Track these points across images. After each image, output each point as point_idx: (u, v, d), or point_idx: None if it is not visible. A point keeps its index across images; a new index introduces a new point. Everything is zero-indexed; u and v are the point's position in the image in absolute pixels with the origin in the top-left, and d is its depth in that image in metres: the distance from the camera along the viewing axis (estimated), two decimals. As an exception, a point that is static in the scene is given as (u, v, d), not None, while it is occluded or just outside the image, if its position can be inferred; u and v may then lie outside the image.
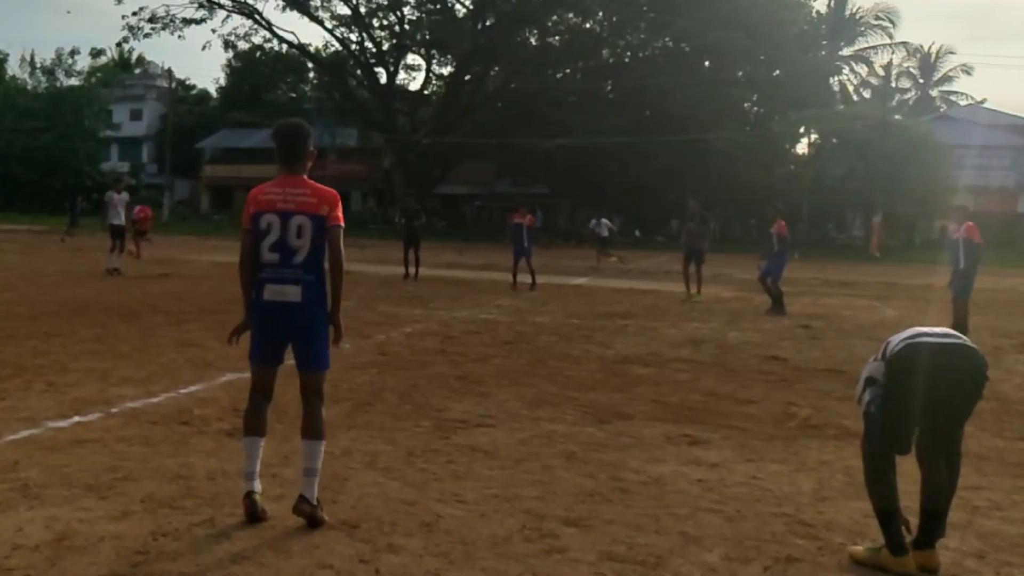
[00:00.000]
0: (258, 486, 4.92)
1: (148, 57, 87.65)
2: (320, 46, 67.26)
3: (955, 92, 71.89)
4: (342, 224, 4.94)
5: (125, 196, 21.46)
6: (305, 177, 5.01)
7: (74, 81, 69.71)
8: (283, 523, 4.84)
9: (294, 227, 4.85)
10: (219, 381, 8.71)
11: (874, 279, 28.19)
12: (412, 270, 21.91)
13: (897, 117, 57.73)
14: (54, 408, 7.26)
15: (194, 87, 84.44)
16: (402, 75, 65.11)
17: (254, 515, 4.83)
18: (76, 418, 6.97)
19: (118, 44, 61.78)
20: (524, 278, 20.15)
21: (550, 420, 7.52)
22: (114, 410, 7.29)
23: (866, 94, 67.99)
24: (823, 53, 63.65)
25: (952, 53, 72.02)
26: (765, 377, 10.06)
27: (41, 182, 63.21)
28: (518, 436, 6.93)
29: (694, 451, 6.69)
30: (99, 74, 72.00)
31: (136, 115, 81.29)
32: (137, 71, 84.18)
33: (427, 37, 62.98)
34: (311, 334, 4.98)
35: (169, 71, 75.72)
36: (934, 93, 72.95)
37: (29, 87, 69.95)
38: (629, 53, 64.39)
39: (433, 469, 5.97)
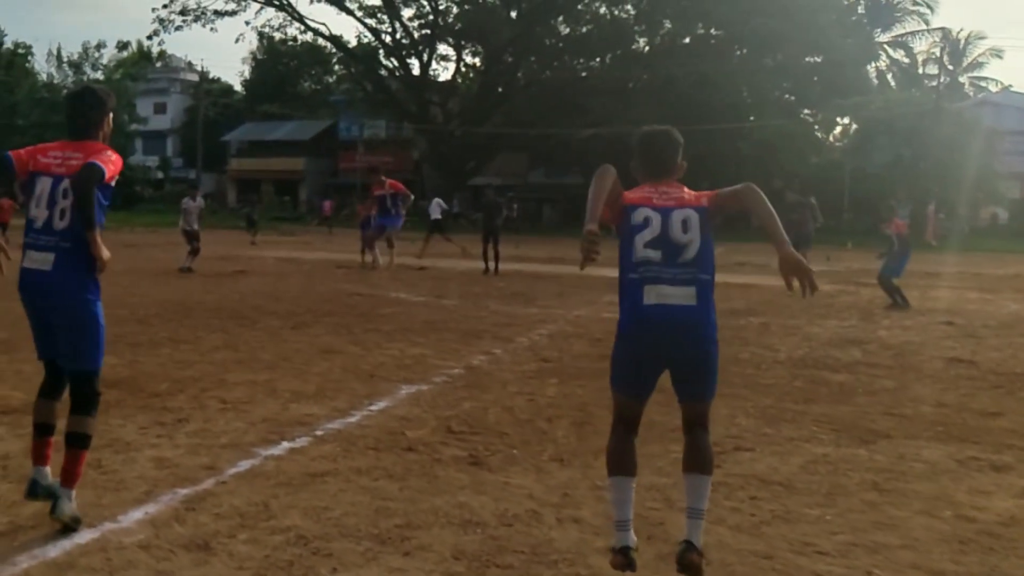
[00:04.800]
0: (633, 538, 4.03)
1: (168, 51, 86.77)
2: (350, 38, 66.54)
3: (985, 78, 70.61)
4: None
5: (200, 203, 20.74)
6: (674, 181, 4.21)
7: (99, 75, 68.74)
8: (648, 586, 3.98)
9: (678, 221, 4.01)
10: (401, 395, 7.85)
11: (954, 269, 27.00)
12: (492, 264, 21.09)
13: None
14: (250, 431, 6.42)
15: (217, 80, 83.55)
16: (434, 66, 64.17)
17: (624, 571, 3.94)
18: (285, 444, 6.13)
19: (148, 37, 60.71)
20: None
21: (806, 440, 6.64)
22: (319, 433, 6.45)
23: (893, 82, 66.76)
24: (860, 39, 62.47)
25: (982, 38, 70.51)
26: (974, 383, 9.15)
27: (70, 177, 62.05)
28: (793, 462, 6.06)
29: (1008, 479, 5.80)
30: (122, 68, 70.93)
31: (160, 108, 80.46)
32: (159, 64, 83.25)
33: (458, 27, 62.02)
34: (706, 359, 4.04)
35: (190, 64, 75.36)
36: (963, 79, 71.50)
37: (56, 81, 68.97)
38: (658, 41, 63.29)
39: (746, 509, 5.10)
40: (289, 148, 73.01)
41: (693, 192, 4.16)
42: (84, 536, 4.37)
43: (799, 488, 5.50)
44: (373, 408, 7.31)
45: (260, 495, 5.04)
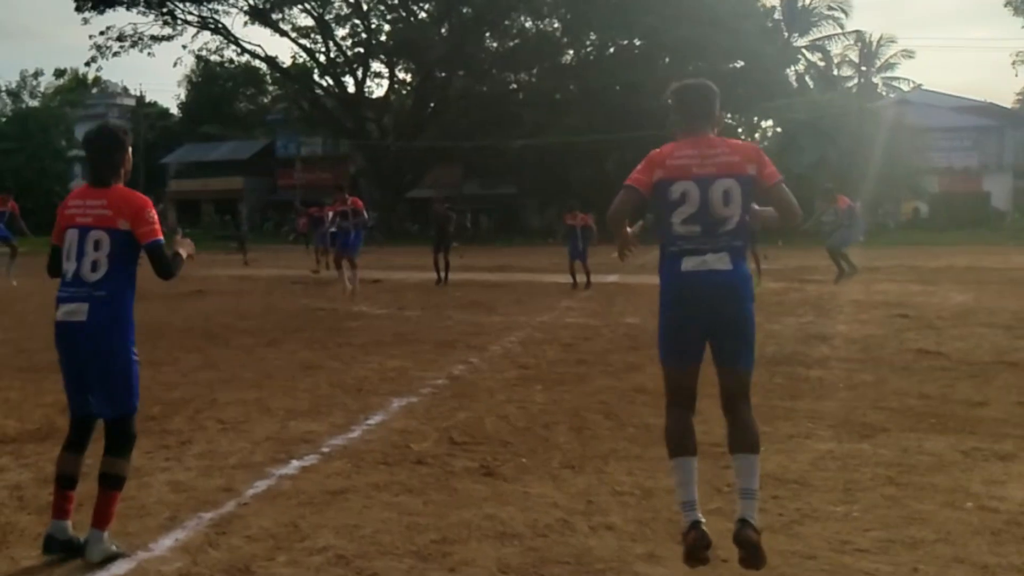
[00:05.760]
0: (702, 515, 4.04)
1: (104, 77, 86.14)
2: (285, 58, 66.38)
3: (897, 78, 71.90)
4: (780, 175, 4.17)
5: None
6: (714, 136, 4.21)
7: (36, 103, 68.18)
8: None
9: (719, 193, 4.06)
10: (395, 407, 7.82)
11: (890, 263, 27.25)
12: (443, 274, 21.11)
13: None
14: (257, 451, 6.35)
15: (154, 104, 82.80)
16: (368, 83, 64.09)
17: (700, 549, 3.92)
18: (295, 463, 6.07)
19: (86, 64, 60.19)
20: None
21: (805, 436, 6.72)
22: (325, 450, 6.40)
23: (811, 83, 67.71)
24: (779, 43, 63.38)
25: (893, 41, 71.57)
26: (949, 374, 9.25)
27: (13, 203, 61.08)
28: (801, 459, 6.12)
29: (1016, 468, 5.87)
30: (60, 96, 70.35)
31: (98, 134, 79.39)
32: (95, 90, 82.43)
33: (391, 45, 61.97)
34: (744, 319, 4.12)
35: (126, 88, 74.67)
36: (876, 79, 72.63)
37: (-7, 110, 68.22)
38: (584, 53, 63.75)
39: (772, 508, 5.09)
40: (228, 168, 72.63)
41: (739, 151, 4.13)
42: (121, 567, 4.27)
43: (816, 485, 5.56)
44: (371, 422, 7.26)
45: (287, 515, 4.98)
